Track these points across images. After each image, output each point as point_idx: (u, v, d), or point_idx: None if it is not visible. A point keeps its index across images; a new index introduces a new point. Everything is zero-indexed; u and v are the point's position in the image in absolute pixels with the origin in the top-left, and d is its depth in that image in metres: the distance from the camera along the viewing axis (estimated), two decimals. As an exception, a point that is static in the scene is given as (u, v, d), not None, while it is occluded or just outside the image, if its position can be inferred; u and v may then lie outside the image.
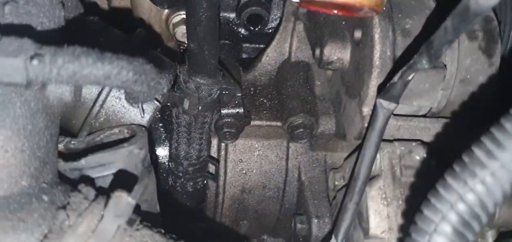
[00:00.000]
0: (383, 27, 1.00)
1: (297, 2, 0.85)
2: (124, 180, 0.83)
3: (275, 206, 1.26)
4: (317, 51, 1.15)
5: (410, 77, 0.83)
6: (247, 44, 1.40)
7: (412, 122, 1.04)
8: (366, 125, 1.05)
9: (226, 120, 1.15)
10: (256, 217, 1.27)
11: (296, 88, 1.25)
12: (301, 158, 1.25)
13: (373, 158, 0.91)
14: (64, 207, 0.70)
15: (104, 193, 0.75)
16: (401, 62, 1.04)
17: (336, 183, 1.18)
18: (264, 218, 1.27)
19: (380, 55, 1.01)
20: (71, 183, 0.77)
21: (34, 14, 0.76)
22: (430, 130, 1.04)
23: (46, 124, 0.75)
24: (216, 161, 1.21)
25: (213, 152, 1.22)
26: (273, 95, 1.27)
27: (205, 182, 1.22)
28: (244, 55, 1.41)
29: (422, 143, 1.03)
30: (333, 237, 0.98)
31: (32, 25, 0.75)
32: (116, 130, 0.88)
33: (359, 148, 1.14)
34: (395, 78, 0.85)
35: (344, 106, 1.17)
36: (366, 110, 1.05)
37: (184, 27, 1.18)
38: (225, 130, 1.16)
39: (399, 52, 1.04)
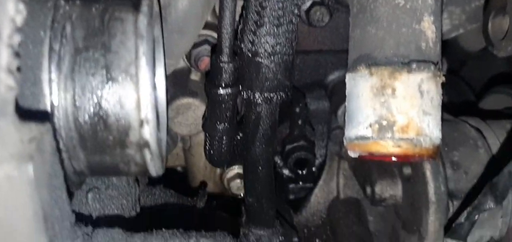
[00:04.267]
0: (433, 163, 1.04)
1: (355, 156, 0.90)
2: None
3: None
4: (368, 189, 1.18)
5: (476, 218, 0.84)
6: (293, 185, 1.44)
7: (478, 254, 1.03)
8: (430, 261, 1.04)
9: (287, 267, 1.15)
10: None
11: (350, 226, 1.26)
12: None
13: None
14: None
15: None
16: (456, 195, 1.06)
17: None
18: None
19: (435, 191, 1.03)
20: None
21: (115, 197, 0.82)
22: (496, 259, 1.03)
23: None
24: None
25: None
26: (328, 236, 1.27)
27: None
28: (291, 196, 1.43)
29: (491, 274, 1.01)
30: None
31: (113, 211, 0.80)
32: None
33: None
34: (461, 219, 0.87)
35: (402, 242, 1.17)
36: (428, 246, 1.04)
37: (238, 181, 1.23)
38: (286, 279, 1.16)
39: (451, 185, 1.06)
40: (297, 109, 1.32)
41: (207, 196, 1.03)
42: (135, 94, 0.59)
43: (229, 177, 1.25)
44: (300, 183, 1.42)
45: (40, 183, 0.50)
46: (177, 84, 1.11)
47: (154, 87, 0.62)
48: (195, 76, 1.12)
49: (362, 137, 0.85)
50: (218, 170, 1.28)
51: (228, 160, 1.02)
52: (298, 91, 1.37)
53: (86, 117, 0.60)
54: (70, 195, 0.65)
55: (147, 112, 0.60)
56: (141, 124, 0.60)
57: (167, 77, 1.16)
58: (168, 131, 1.20)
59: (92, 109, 0.60)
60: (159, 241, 0.68)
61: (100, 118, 0.60)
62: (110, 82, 0.59)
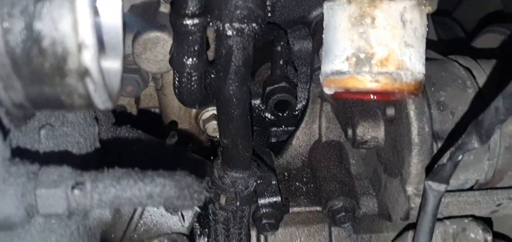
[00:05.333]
0: (417, 103, 0.98)
1: (331, 94, 0.84)
2: None
3: None
4: (350, 132, 1.13)
5: (459, 158, 0.79)
6: (275, 128, 1.39)
7: (461, 197, 0.99)
8: (412, 205, 1.00)
9: (264, 211, 1.12)
10: None
11: (331, 169, 1.21)
12: (345, 242, 1.19)
13: (429, 244, 0.86)
14: None
15: None
16: (441, 137, 1.01)
17: (385, 267, 1.12)
18: None
19: (418, 132, 0.97)
20: None
21: (70, 134, 0.76)
22: (480, 203, 0.99)
23: (89, 246, 0.72)
24: (257, 256, 1.16)
25: (251, 245, 1.18)
26: (308, 178, 1.23)
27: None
28: (273, 139, 1.39)
29: (475, 218, 0.98)
30: None
31: (68, 148, 0.74)
32: (156, 241, 0.85)
33: (406, 228, 1.09)
34: (444, 160, 0.82)
35: (384, 185, 1.13)
36: (410, 189, 1.00)
37: (214, 122, 1.18)
38: (264, 221, 1.12)
39: (436, 126, 1.01)
40: (279, 49, 1.25)
41: (177, 135, 0.97)
42: (70, 15, 0.52)
43: (205, 119, 1.19)
44: (282, 126, 1.37)
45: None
46: (145, 17, 1.03)
47: (94, 7, 0.55)
48: (164, 8, 1.03)
49: (338, 71, 0.78)
50: (193, 111, 1.22)
51: (200, 99, 0.95)
52: (279, 29, 1.30)
53: (18, 39, 0.53)
54: (4, 130, 0.59)
55: (86, 36, 0.53)
56: (79, 48, 0.53)
57: (132, 8, 1.09)
58: (139, 69, 1.13)
59: (24, 31, 0.53)
60: (111, 179, 0.63)
61: (34, 42, 0.53)
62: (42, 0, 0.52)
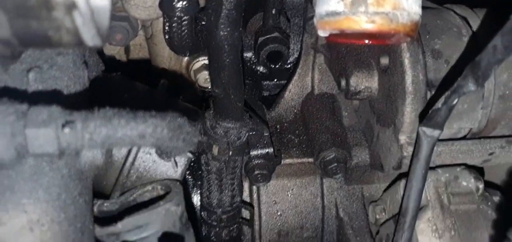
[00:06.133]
0: (412, 51, 0.96)
1: (325, 37, 0.82)
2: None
3: (315, 247, 1.20)
4: (343, 82, 1.12)
5: (454, 102, 0.79)
6: (267, 82, 1.37)
7: (454, 146, 0.99)
8: (405, 153, 1.00)
9: (257, 162, 1.11)
10: (295, 260, 1.22)
11: (323, 121, 1.21)
12: (337, 194, 1.20)
13: (421, 190, 0.86)
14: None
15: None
16: (436, 85, 1.01)
17: (377, 216, 1.13)
18: (304, 260, 1.21)
19: (413, 80, 0.96)
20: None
21: (59, 78, 0.74)
22: (473, 152, 0.99)
23: (80, 190, 0.71)
24: (250, 205, 1.16)
25: (245, 196, 1.18)
26: (300, 131, 1.23)
27: (240, 228, 1.17)
28: (265, 93, 1.37)
29: (467, 166, 0.98)
30: (384, 276, 0.92)
31: (57, 90, 0.72)
32: (149, 187, 0.85)
33: (398, 178, 1.10)
34: (439, 104, 0.81)
35: (377, 136, 1.13)
36: (403, 138, 1.00)
37: (206, 72, 1.16)
38: (257, 172, 1.12)
39: (431, 75, 1.00)
40: (271, -2, 1.22)
41: (168, 84, 0.96)
42: None
43: (196, 69, 1.17)
44: (275, 80, 1.36)
45: None
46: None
47: None
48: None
49: (333, 12, 0.76)
50: (184, 61, 1.19)
51: (191, 46, 0.93)
52: (272, -23, 1.27)
53: (1, -30, 0.51)
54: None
55: (72, -34, 0.50)
56: (65, -22, 0.51)
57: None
58: (128, 17, 1.10)
59: (7, -40, 0.50)
60: (102, 119, 0.62)
61: (18, -28, 0.51)
62: None
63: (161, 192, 0.84)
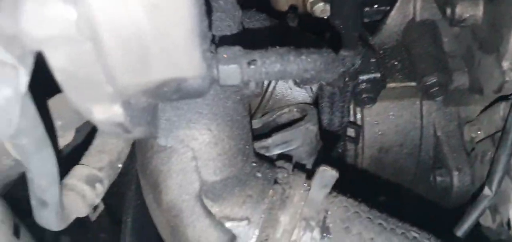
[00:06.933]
0: (521, -20, 1.02)
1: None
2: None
3: (412, 162, 1.34)
4: (448, 10, 1.19)
5: None
6: (367, 8, 1.45)
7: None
8: (507, 78, 1.09)
9: (364, 86, 1.23)
10: (394, 174, 1.36)
11: (425, 47, 1.29)
12: (435, 114, 1.31)
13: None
14: (276, 181, 0.82)
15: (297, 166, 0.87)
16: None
17: (473, 135, 1.24)
18: (402, 174, 1.36)
19: (521, 9, 1.03)
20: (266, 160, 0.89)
21: (224, 19, 0.87)
22: None
23: (244, 112, 0.87)
24: (356, 125, 1.30)
25: (350, 116, 1.31)
26: (403, 56, 1.32)
27: (344, 145, 1.32)
28: (366, 19, 1.46)
29: None
30: (486, 187, 1.05)
31: (224, 32, 0.86)
32: (286, 110, 0.99)
33: (496, 101, 1.19)
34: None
35: (478, 62, 1.21)
36: (507, 64, 1.08)
37: (321, 4, 1.25)
38: (364, 95, 1.24)
39: (539, 3, 1.05)
40: None
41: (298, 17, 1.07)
42: None
43: (312, 1, 1.27)
44: (375, 5, 1.43)
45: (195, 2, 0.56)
46: None
47: None
48: None
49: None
50: (300, -7, 1.29)
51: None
52: None
53: None
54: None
55: None
56: None
57: None
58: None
59: None
60: (275, 56, 0.75)
61: None
62: None
63: (297, 114, 0.99)
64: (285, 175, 0.83)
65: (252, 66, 0.74)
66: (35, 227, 0.92)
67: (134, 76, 0.60)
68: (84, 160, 1.02)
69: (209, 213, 0.79)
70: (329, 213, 0.81)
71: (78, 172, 0.99)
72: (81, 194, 0.98)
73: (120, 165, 1.08)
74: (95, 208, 1.03)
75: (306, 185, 0.82)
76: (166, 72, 0.60)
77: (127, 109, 0.63)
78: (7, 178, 1.11)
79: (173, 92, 0.69)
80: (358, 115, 1.32)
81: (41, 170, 0.74)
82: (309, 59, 0.77)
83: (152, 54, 0.57)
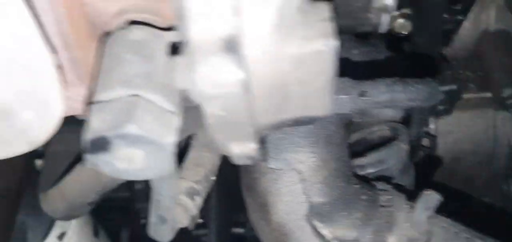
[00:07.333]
0: None
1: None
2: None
3: (485, 171, 1.36)
4: (526, 22, 1.21)
5: None
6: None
7: None
8: None
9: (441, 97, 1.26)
10: (466, 181, 1.39)
11: (499, 58, 1.31)
12: (509, 124, 1.33)
13: None
14: (380, 204, 0.87)
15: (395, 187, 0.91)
16: None
17: (548, 146, 1.26)
18: (474, 181, 1.39)
19: None
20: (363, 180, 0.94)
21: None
22: None
23: (345, 134, 0.92)
24: (431, 135, 1.33)
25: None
26: (476, 66, 1.34)
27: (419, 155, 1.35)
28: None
29: None
30: None
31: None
32: (376, 128, 1.03)
33: None
34: None
35: (556, 74, 1.22)
36: None
37: (402, 20, 1.27)
38: (440, 107, 1.27)
39: None
40: None
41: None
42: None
43: (393, 16, 1.29)
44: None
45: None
46: None
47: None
48: None
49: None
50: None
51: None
52: None
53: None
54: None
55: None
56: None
57: None
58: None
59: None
60: (385, 86, 0.79)
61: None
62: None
63: (387, 133, 1.03)
64: (389, 197, 0.88)
65: (363, 98, 0.79)
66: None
67: (272, 117, 0.65)
68: (182, 173, 1.09)
69: (319, 234, 0.84)
70: (433, 234, 0.85)
71: (180, 185, 1.06)
72: (184, 207, 1.05)
73: (213, 178, 1.15)
74: (192, 218, 1.11)
75: (407, 206, 0.87)
76: (301, 112, 0.66)
77: (259, 144, 0.69)
78: (104, 189, 1.19)
79: (293, 123, 0.74)
80: (432, 125, 1.35)
81: (168, 193, 0.81)
82: (415, 89, 0.81)
83: (292, 98, 0.63)
